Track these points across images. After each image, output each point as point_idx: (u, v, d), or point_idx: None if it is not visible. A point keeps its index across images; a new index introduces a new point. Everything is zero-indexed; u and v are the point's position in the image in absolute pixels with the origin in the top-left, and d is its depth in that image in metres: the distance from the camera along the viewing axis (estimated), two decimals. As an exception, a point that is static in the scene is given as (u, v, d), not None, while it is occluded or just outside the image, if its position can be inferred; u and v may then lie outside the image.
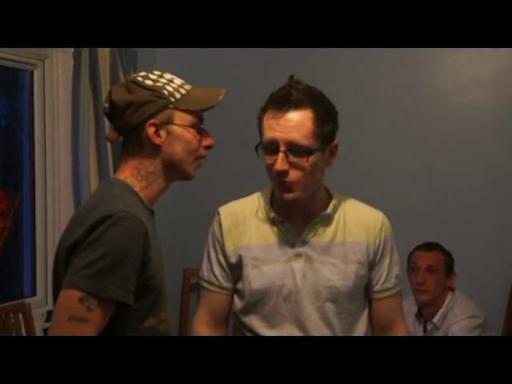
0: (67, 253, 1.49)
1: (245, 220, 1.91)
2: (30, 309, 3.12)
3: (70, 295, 1.43)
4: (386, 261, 1.92)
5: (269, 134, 1.77)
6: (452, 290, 3.02)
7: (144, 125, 1.58)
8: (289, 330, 1.87)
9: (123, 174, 1.62)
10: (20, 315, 3.08)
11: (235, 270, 1.91)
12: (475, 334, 2.83)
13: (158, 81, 1.61)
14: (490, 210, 3.49)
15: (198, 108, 1.63)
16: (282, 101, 1.76)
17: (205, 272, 1.97)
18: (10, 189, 3.33)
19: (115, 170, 1.72)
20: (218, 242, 1.93)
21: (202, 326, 1.97)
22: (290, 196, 1.80)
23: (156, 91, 1.58)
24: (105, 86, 3.26)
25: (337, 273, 1.86)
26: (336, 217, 1.89)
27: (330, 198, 1.92)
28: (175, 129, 1.60)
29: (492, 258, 3.47)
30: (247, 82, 3.75)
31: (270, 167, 1.79)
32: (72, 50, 3.25)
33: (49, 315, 3.21)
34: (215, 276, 1.94)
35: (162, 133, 1.59)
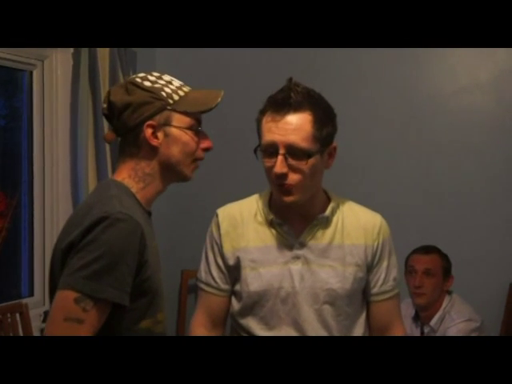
0: (63, 253, 1.49)
1: (243, 222, 1.91)
2: (28, 309, 3.12)
3: (66, 296, 1.43)
4: (384, 263, 1.92)
5: (268, 136, 1.77)
6: (449, 293, 3.02)
7: (142, 126, 1.57)
8: (286, 332, 1.86)
9: (120, 175, 1.62)
10: (17, 315, 3.08)
11: (233, 272, 1.91)
12: (472, 337, 2.83)
13: (156, 82, 1.61)
14: (488, 214, 3.49)
15: (196, 110, 1.62)
16: (281, 103, 1.76)
17: (202, 273, 1.97)
18: (8, 189, 3.33)
19: (113, 170, 1.71)
20: (216, 243, 1.93)
21: (200, 328, 1.97)
22: (289, 199, 1.80)
23: (154, 93, 1.58)
24: (104, 87, 3.25)
25: (335, 275, 1.86)
26: (334, 219, 1.89)
27: (329, 200, 1.92)
28: (173, 130, 1.60)
29: (489, 262, 3.47)
30: (246, 83, 3.75)
31: (269, 170, 1.79)
32: (71, 50, 3.25)
33: (46, 316, 3.21)
34: (213, 278, 1.94)
35: (160, 134, 1.59)
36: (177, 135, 1.60)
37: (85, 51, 3.21)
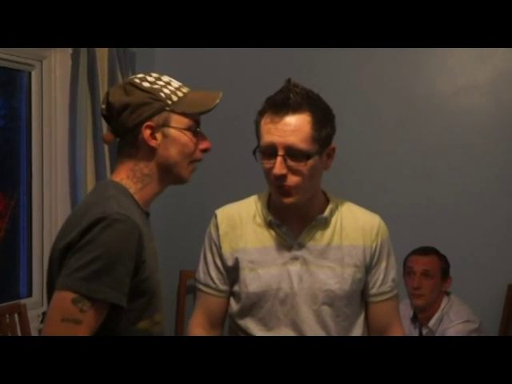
0: (61, 254, 1.49)
1: (242, 223, 1.91)
2: (26, 310, 3.11)
3: (63, 296, 1.43)
4: (383, 264, 1.92)
5: (267, 138, 1.77)
6: (448, 294, 3.02)
7: (140, 127, 1.57)
8: (285, 333, 1.86)
9: (119, 175, 1.62)
10: (15, 316, 3.08)
11: (232, 273, 1.91)
12: (471, 338, 2.83)
13: (155, 83, 1.61)
14: (486, 215, 3.49)
15: (195, 111, 1.62)
16: (280, 105, 1.76)
17: (201, 274, 1.97)
18: (7, 189, 3.33)
19: (112, 171, 1.71)
20: (215, 244, 1.93)
21: (198, 329, 1.97)
22: (288, 200, 1.80)
23: (153, 93, 1.58)
24: (103, 88, 3.25)
25: (333, 276, 1.86)
26: (333, 220, 1.89)
27: (327, 201, 1.92)
28: (171, 131, 1.60)
29: (488, 263, 3.47)
30: (245, 85, 3.75)
31: (268, 171, 1.79)
32: (70, 51, 3.25)
33: (44, 316, 3.20)
34: (211, 278, 1.94)
35: (158, 135, 1.59)
36: (175, 136, 1.60)
37: (83, 52, 3.21)
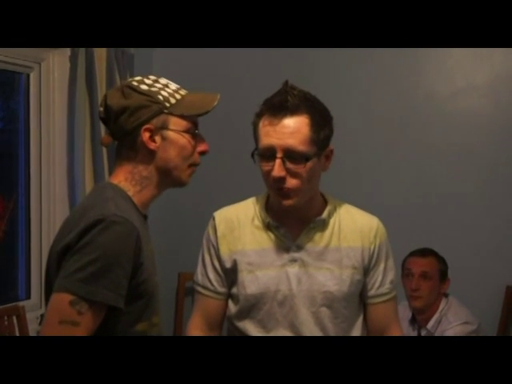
0: (59, 256, 1.49)
1: (240, 225, 1.91)
2: (24, 312, 3.11)
3: (61, 298, 1.43)
4: (381, 266, 1.92)
5: (265, 140, 1.77)
6: (446, 295, 3.01)
7: (139, 130, 1.57)
8: (283, 335, 1.86)
9: (117, 178, 1.62)
10: (14, 318, 3.07)
11: (230, 275, 1.91)
12: (469, 340, 2.83)
13: (153, 86, 1.61)
14: (484, 216, 3.49)
15: (193, 113, 1.63)
16: (278, 107, 1.75)
17: (199, 276, 1.97)
18: (5, 191, 3.33)
19: (110, 173, 1.72)
20: (213, 246, 1.92)
21: (196, 331, 1.96)
22: (288, 202, 1.80)
23: (151, 96, 1.58)
24: (101, 90, 3.25)
25: (332, 278, 1.86)
26: (331, 222, 1.89)
27: (326, 203, 1.92)
28: (170, 134, 1.60)
29: (486, 264, 3.46)
30: (243, 86, 3.74)
31: (267, 174, 1.78)
32: (68, 53, 3.25)
33: (43, 318, 3.19)
34: (210, 280, 1.94)
35: (157, 138, 1.59)
36: (174, 138, 1.60)
37: (82, 54, 3.21)
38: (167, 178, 1.63)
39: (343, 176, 3.36)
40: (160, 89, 1.61)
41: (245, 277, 1.87)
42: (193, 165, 1.65)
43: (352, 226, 1.90)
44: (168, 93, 1.61)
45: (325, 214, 1.88)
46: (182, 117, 1.60)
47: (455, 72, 3.55)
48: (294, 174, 1.76)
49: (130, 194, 1.60)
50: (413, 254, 3.04)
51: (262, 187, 1.88)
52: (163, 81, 1.64)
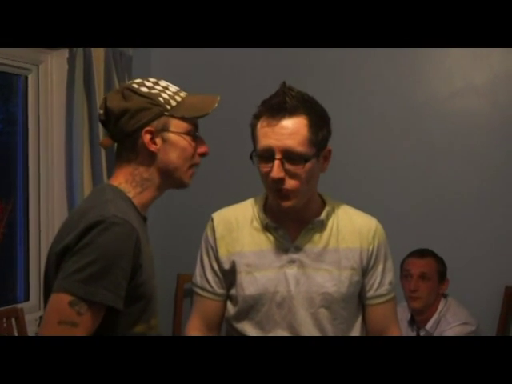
0: (58, 257, 1.49)
1: (238, 226, 1.90)
2: (23, 314, 3.11)
3: (61, 299, 1.43)
4: (380, 267, 1.92)
5: (264, 141, 1.77)
6: (445, 296, 3.01)
7: (139, 132, 1.58)
8: (282, 337, 1.87)
9: (117, 179, 1.62)
10: (13, 320, 3.06)
11: (228, 276, 1.91)
12: (468, 340, 2.83)
13: (153, 88, 1.61)
14: (483, 217, 3.49)
15: (194, 115, 1.63)
16: (276, 108, 1.75)
17: (198, 278, 1.96)
18: (4, 193, 3.32)
19: (109, 175, 1.72)
20: (212, 247, 1.92)
21: (195, 332, 1.96)
22: (287, 204, 1.80)
23: (151, 98, 1.59)
24: (99, 91, 3.25)
25: (330, 279, 1.86)
26: (330, 223, 1.89)
27: (324, 204, 1.92)
28: (171, 136, 1.60)
29: (485, 265, 3.46)
30: (242, 88, 3.74)
31: (266, 175, 1.78)
32: (66, 55, 3.24)
33: (42, 319, 3.19)
34: (208, 282, 1.93)
35: (158, 140, 1.59)
36: (175, 140, 1.61)
37: (80, 56, 3.20)
38: (168, 180, 1.64)
39: (342, 177, 3.36)
40: (160, 91, 1.61)
41: (243, 278, 1.87)
42: (193, 166, 1.66)
43: (350, 227, 1.90)
44: (168, 95, 1.62)
45: (323, 215, 1.88)
46: (182, 119, 1.61)
47: (454, 72, 3.55)
48: (292, 175, 1.76)
49: (130, 195, 1.61)
50: (411, 254, 3.04)
51: (261, 188, 1.88)
52: (163, 83, 1.65)
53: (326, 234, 1.88)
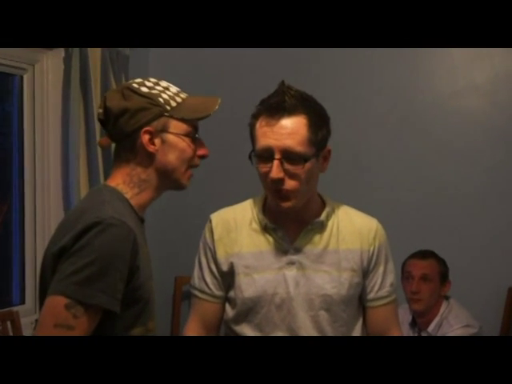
0: (54, 259, 1.48)
1: (237, 227, 1.89)
2: (19, 317, 3.09)
3: (57, 302, 1.42)
4: (381, 269, 1.91)
5: (263, 141, 1.75)
6: (447, 298, 3.01)
7: (138, 132, 1.57)
8: (281, 340, 1.85)
9: (114, 180, 1.61)
10: (8, 323, 3.05)
11: (227, 278, 1.90)
12: (470, 343, 2.81)
13: (153, 88, 1.61)
14: (485, 217, 3.49)
15: (194, 117, 1.62)
16: (275, 107, 1.74)
17: (196, 280, 1.95)
18: (-1, 194, 3.31)
19: (106, 175, 1.70)
20: (210, 249, 1.91)
21: (193, 335, 1.95)
22: (286, 204, 1.78)
23: (151, 99, 1.58)
24: (95, 91, 3.25)
25: (330, 281, 1.84)
26: (329, 224, 1.88)
27: (324, 204, 1.91)
28: (170, 137, 1.59)
29: (487, 266, 3.46)
30: (240, 88, 3.73)
31: (265, 175, 1.77)
32: (62, 54, 3.24)
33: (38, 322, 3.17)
34: (206, 284, 1.92)
35: (157, 141, 1.58)
36: (174, 142, 1.60)
37: (76, 56, 3.19)
38: (166, 181, 1.63)
39: (342, 177, 3.38)
40: (161, 91, 1.61)
41: (242, 280, 1.86)
42: (191, 167, 1.65)
43: (351, 228, 1.89)
44: (169, 96, 1.61)
45: (323, 216, 1.87)
46: (182, 120, 1.60)
47: (455, 71, 3.55)
48: (292, 176, 1.75)
49: (128, 196, 1.60)
50: (413, 256, 3.04)
51: (260, 189, 1.86)
52: (164, 83, 1.64)
53: (325, 235, 1.87)
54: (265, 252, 1.86)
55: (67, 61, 3.21)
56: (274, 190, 1.77)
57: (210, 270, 1.91)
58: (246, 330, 1.87)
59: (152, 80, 1.63)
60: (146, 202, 1.63)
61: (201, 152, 1.65)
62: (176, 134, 1.59)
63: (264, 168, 1.77)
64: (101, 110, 1.62)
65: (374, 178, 3.64)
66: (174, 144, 1.60)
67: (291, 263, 1.84)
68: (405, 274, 3.00)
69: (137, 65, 3.64)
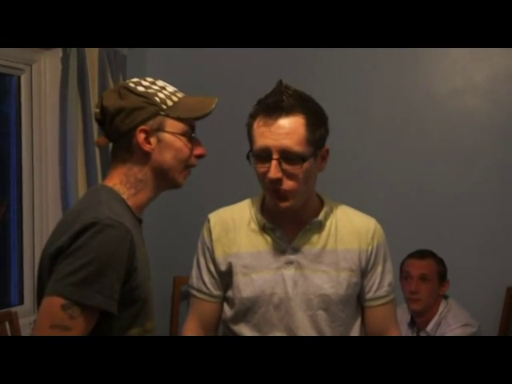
0: (51, 259, 1.48)
1: (235, 227, 1.89)
2: (17, 317, 3.09)
3: (53, 302, 1.42)
4: (379, 268, 1.90)
5: (260, 141, 1.75)
6: (445, 298, 3.01)
7: (134, 131, 1.57)
8: (279, 340, 1.84)
9: (111, 180, 1.61)
10: (7, 324, 3.05)
11: (225, 278, 1.90)
12: (469, 342, 2.81)
13: (150, 87, 1.60)
14: (483, 217, 3.49)
15: (190, 116, 1.62)
16: (272, 107, 1.74)
17: (194, 280, 1.95)
18: (-3, 195, 3.30)
19: (103, 176, 1.70)
20: (208, 249, 1.91)
21: (191, 334, 1.95)
22: (285, 204, 1.78)
23: (148, 98, 1.58)
24: (93, 91, 3.24)
25: (328, 281, 1.84)
26: (328, 224, 1.88)
27: (322, 204, 1.91)
28: (166, 136, 1.59)
29: (486, 266, 3.46)
30: (238, 88, 3.73)
31: (263, 175, 1.77)
32: (60, 54, 3.23)
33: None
34: (205, 284, 1.92)
35: (153, 140, 1.58)
36: (170, 141, 1.59)
37: (73, 56, 3.19)
38: (163, 180, 1.62)
39: (341, 177, 3.38)
40: (157, 91, 1.60)
41: (240, 280, 1.86)
42: (188, 167, 1.64)
43: (349, 228, 1.89)
44: (165, 95, 1.61)
45: (321, 216, 1.86)
46: (178, 119, 1.60)
47: (454, 71, 3.56)
48: (290, 176, 1.75)
49: (125, 196, 1.59)
50: (411, 255, 3.04)
51: (258, 189, 1.86)
52: (160, 83, 1.64)
53: (324, 234, 1.87)
54: (263, 252, 1.85)
55: (65, 61, 3.20)
56: (272, 189, 1.77)
57: (208, 269, 1.91)
58: (244, 330, 1.87)
59: (148, 79, 1.63)
60: (143, 203, 1.63)
61: (197, 151, 1.65)
62: (172, 133, 1.59)
63: (262, 168, 1.77)
64: (98, 110, 1.62)
65: (373, 178, 3.64)
66: (170, 143, 1.59)
67: (289, 263, 1.84)
68: (403, 274, 3.00)
69: (135, 65, 3.64)
